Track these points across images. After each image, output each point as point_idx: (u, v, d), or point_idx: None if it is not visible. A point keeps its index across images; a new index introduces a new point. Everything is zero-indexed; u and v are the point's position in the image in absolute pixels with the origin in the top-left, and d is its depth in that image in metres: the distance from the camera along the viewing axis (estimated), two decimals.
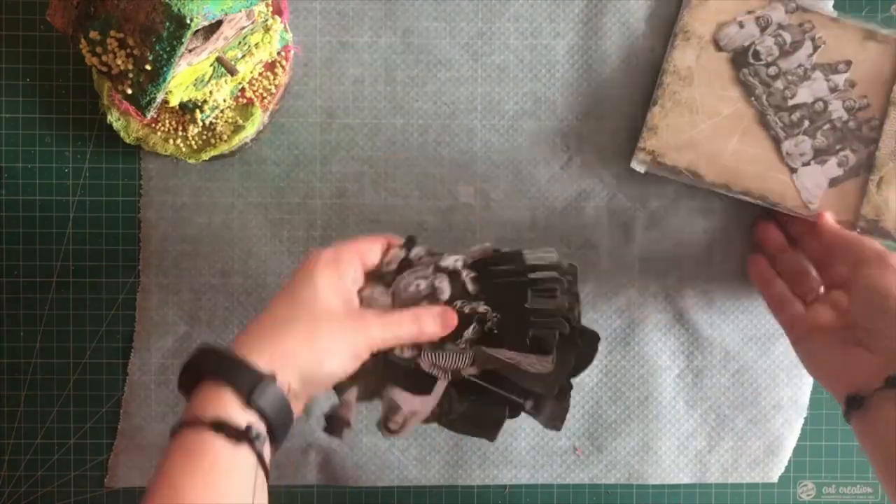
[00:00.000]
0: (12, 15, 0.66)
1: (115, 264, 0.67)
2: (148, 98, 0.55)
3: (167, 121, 0.64)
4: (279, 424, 0.47)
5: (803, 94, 0.66)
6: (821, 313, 0.60)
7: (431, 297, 0.53)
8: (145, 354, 0.67)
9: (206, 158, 0.64)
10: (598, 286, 0.67)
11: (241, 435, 0.45)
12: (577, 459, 0.68)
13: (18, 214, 0.66)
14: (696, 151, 0.66)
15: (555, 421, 0.54)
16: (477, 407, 0.54)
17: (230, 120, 0.64)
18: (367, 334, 0.50)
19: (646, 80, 0.67)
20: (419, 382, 0.53)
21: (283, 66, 0.64)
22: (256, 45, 0.61)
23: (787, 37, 0.66)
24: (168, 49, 0.52)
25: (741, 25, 0.66)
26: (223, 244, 0.67)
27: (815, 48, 0.66)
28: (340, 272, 0.52)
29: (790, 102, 0.66)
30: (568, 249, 0.67)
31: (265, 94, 0.64)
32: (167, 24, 0.51)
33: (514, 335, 0.52)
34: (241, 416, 0.46)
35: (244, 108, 0.64)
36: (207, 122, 0.63)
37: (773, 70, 0.66)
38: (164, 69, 0.53)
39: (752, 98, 0.66)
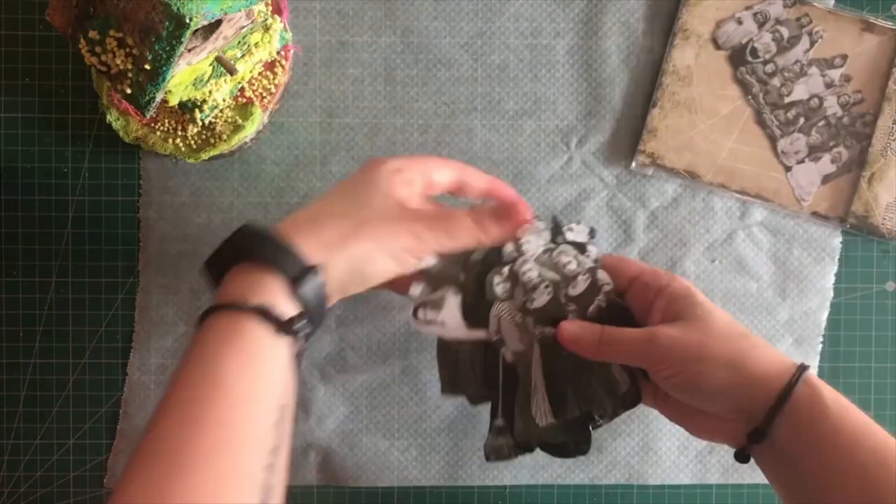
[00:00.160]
0: (12, 15, 0.66)
1: (114, 264, 0.67)
2: (147, 98, 0.55)
3: (166, 120, 0.64)
4: (315, 320, 0.45)
5: (799, 91, 0.66)
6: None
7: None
8: (145, 354, 0.67)
9: (206, 158, 0.64)
10: None
11: (285, 326, 0.43)
12: (577, 459, 0.67)
13: (18, 214, 0.66)
14: (694, 152, 0.66)
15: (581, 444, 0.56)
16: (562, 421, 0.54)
17: (230, 119, 0.64)
18: (417, 238, 0.49)
19: (646, 80, 0.67)
20: (476, 315, 0.54)
21: (282, 66, 0.64)
22: (256, 44, 0.61)
23: (785, 32, 0.66)
24: (167, 49, 0.52)
25: (739, 22, 0.66)
26: None
27: (812, 43, 0.66)
28: (403, 179, 0.50)
29: (786, 100, 0.66)
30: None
31: (265, 94, 0.64)
32: (166, 23, 0.51)
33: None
34: (287, 305, 0.43)
35: (244, 107, 0.64)
36: (207, 122, 0.63)
37: (770, 67, 0.66)
38: (164, 69, 0.53)
39: (749, 96, 0.66)
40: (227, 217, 0.67)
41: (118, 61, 0.54)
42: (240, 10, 0.55)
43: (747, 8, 0.66)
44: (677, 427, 0.67)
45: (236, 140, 0.64)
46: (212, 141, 0.64)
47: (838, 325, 0.68)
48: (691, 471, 0.67)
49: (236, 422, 0.40)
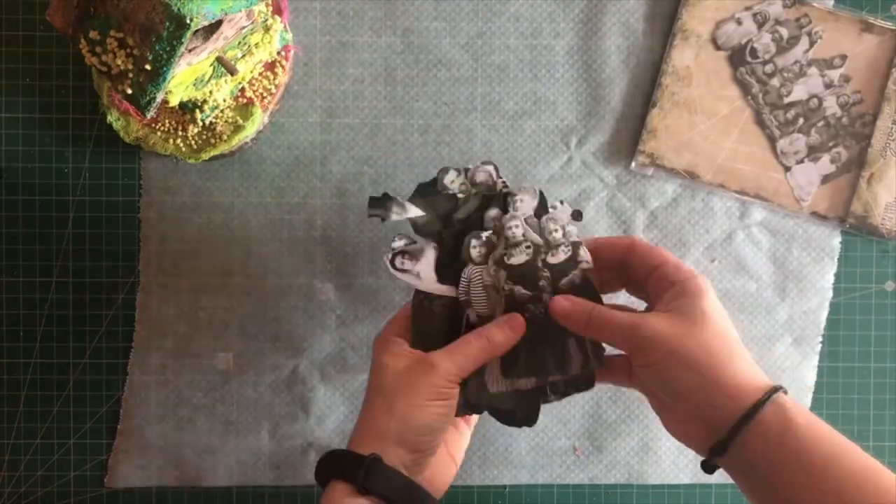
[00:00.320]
0: (12, 15, 0.66)
1: (115, 264, 0.67)
2: (148, 98, 0.55)
3: (167, 121, 0.64)
4: (401, 497, 0.50)
5: (798, 92, 0.66)
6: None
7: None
8: (145, 354, 0.67)
9: (206, 158, 0.64)
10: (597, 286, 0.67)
11: None
12: (577, 459, 0.67)
13: (18, 214, 0.66)
14: (694, 152, 0.66)
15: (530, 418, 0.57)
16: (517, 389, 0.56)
17: (230, 120, 0.64)
18: (438, 374, 0.52)
19: (646, 80, 0.67)
20: (449, 272, 0.56)
21: (283, 66, 0.64)
22: (256, 44, 0.61)
23: (784, 32, 0.66)
24: (168, 49, 0.52)
25: (739, 22, 0.66)
26: (223, 244, 0.67)
27: (812, 43, 0.66)
28: (390, 341, 0.55)
29: (786, 100, 0.66)
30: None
31: (265, 94, 0.64)
32: (167, 23, 0.51)
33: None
34: (352, 503, 0.50)
35: (244, 107, 0.64)
36: (207, 122, 0.63)
37: (769, 68, 0.66)
38: (164, 69, 0.53)
39: (749, 97, 0.66)
40: (227, 217, 0.67)
41: (119, 62, 0.54)
42: (240, 11, 0.55)
43: (747, 8, 0.66)
44: None
45: (237, 140, 0.64)
46: (212, 141, 0.64)
47: (838, 324, 0.68)
48: (691, 471, 0.67)
49: None
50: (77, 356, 0.67)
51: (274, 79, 0.64)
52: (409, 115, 0.67)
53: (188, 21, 0.51)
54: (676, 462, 0.67)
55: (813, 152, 0.66)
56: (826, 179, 0.66)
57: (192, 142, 0.64)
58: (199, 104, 0.61)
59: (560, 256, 0.56)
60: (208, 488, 0.67)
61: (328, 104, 0.67)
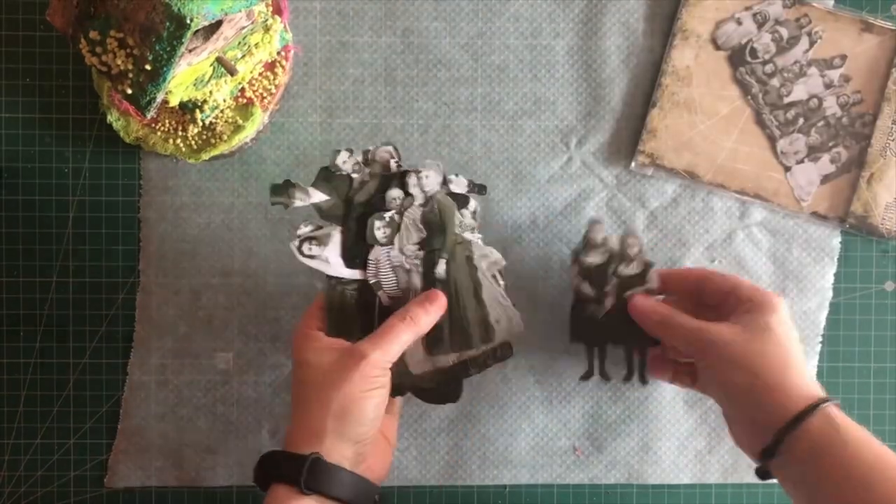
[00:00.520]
0: (12, 15, 0.66)
1: (115, 264, 0.67)
2: (148, 98, 0.55)
3: (167, 121, 0.64)
4: (344, 492, 0.50)
5: (798, 92, 0.66)
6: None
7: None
8: (145, 354, 0.67)
9: (206, 158, 0.64)
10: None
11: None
12: (577, 459, 0.67)
13: (18, 214, 0.66)
14: (693, 152, 0.66)
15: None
16: (438, 369, 0.57)
17: (230, 120, 0.64)
18: (369, 363, 0.52)
19: (646, 80, 0.67)
20: (355, 255, 0.57)
21: (283, 66, 0.64)
22: (256, 45, 0.61)
23: (784, 32, 0.66)
24: (168, 49, 0.52)
25: (739, 22, 0.66)
26: (223, 244, 0.67)
27: (812, 43, 0.66)
28: (311, 336, 0.55)
29: (786, 100, 0.66)
30: (568, 250, 0.67)
31: (265, 94, 0.64)
32: (167, 23, 0.51)
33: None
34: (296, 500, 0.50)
35: (244, 108, 0.64)
36: (207, 122, 0.63)
37: (769, 68, 0.66)
38: (164, 69, 0.53)
39: (749, 97, 0.66)
40: (227, 217, 0.67)
41: (119, 62, 0.54)
42: (240, 11, 0.55)
43: (747, 8, 0.66)
44: (677, 427, 0.67)
45: (237, 140, 0.64)
46: (212, 141, 0.64)
47: (837, 324, 0.68)
48: (691, 470, 0.67)
49: None
50: (77, 356, 0.67)
51: (274, 79, 0.64)
52: (409, 115, 0.67)
53: (188, 21, 0.51)
54: (676, 462, 0.67)
55: (813, 152, 0.66)
56: (826, 179, 0.66)
57: (192, 142, 0.64)
58: (199, 104, 0.61)
59: (632, 270, 0.61)
60: (208, 488, 0.67)
61: (328, 104, 0.67)
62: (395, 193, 0.58)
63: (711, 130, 0.66)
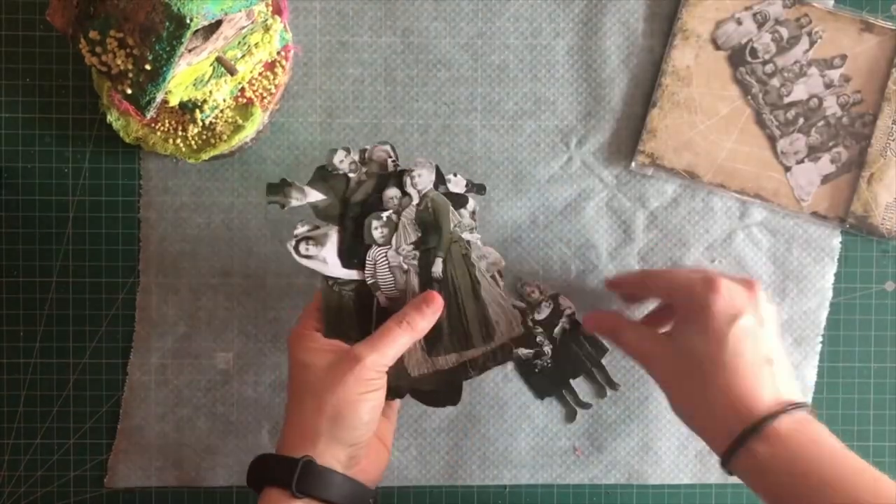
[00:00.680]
0: (12, 15, 0.66)
1: (115, 264, 0.67)
2: (147, 98, 0.55)
3: (167, 121, 0.64)
4: (337, 496, 0.50)
5: (799, 92, 0.66)
6: None
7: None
8: (145, 354, 0.67)
9: (206, 158, 0.64)
10: (598, 286, 0.67)
11: None
12: (577, 459, 0.67)
13: (18, 214, 0.66)
14: (693, 152, 0.66)
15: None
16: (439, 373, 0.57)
17: (230, 120, 0.64)
18: (365, 366, 0.52)
19: (646, 80, 0.67)
20: (352, 256, 0.57)
21: (282, 66, 0.64)
22: (256, 44, 0.61)
23: (784, 32, 0.66)
24: (168, 49, 0.52)
25: (739, 22, 0.66)
26: (223, 244, 0.67)
27: (812, 43, 0.66)
28: (308, 336, 0.54)
29: (786, 100, 0.66)
30: (568, 250, 0.67)
31: (265, 94, 0.64)
32: (167, 23, 0.51)
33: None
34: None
35: (244, 107, 0.64)
36: (207, 122, 0.63)
37: (769, 68, 0.66)
38: (164, 69, 0.53)
39: (749, 97, 0.66)
40: (227, 217, 0.67)
41: (119, 61, 0.54)
42: (240, 11, 0.55)
43: (747, 8, 0.66)
44: (677, 427, 0.67)
45: (237, 140, 0.64)
46: (212, 141, 0.64)
47: (838, 324, 0.68)
48: (691, 471, 0.67)
49: None
50: (77, 356, 0.67)
51: (274, 79, 0.64)
52: (409, 115, 0.67)
53: (188, 21, 0.51)
54: (676, 462, 0.67)
55: (813, 152, 0.66)
56: (826, 179, 0.66)
57: (192, 142, 0.64)
58: (199, 104, 0.61)
59: (544, 312, 0.64)
60: (208, 488, 0.67)
61: (328, 104, 0.67)
62: (392, 193, 0.58)
63: (711, 130, 0.66)
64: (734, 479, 0.67)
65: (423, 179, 0.58)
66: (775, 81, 0.66)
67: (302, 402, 0.52)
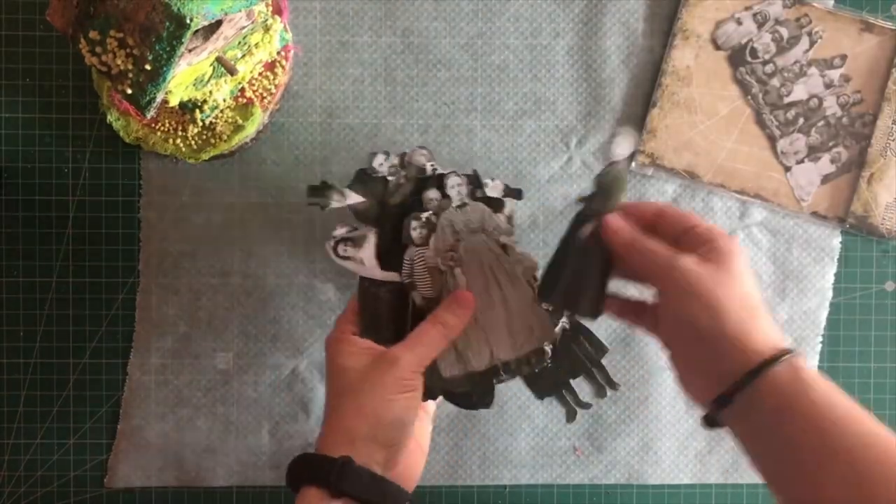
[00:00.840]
0: (12, 15, 0.66)
1: (115, 264, 0.67)
2: (148, 98, 0.55)
3: (167, 121, 0.64)
4: (375, 497, 0.51)
5: (798, 92, 0.66)
6: None
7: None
8: (145, 354, 0.67)
9: (206, 158, 0.64)
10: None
11: None
12: (577, 459, 0.67)
13: (18, 214, 0.66)
14: (694, 152, 0.66)
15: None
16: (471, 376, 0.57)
17: (230, 120, 0.64)
18: (401, 367, 0.52)
19: (646, 80, 0.67)
20: (389, 257, 0.57)
21: (283, 66, 0.64)
22: (256, 44, 0.61)
23: (784, 32, 0.66)
24: (168, 49, 0.52)
25: (739, 22, 0.66)
26: (223, 244, 0.67)
27: (812, 43, 0.66)
28: (345, 340, 0.55)
29: (786, 100, 0.66)
30: None
31: (265, 94, 0.64)
32: (167, 23, 0.51)
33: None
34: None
35: (244, 107, 0.64)
36: (207, 122, 0.63)
37: (769, 68, 0.66)
38: (164, 69, 0.53)
39: (749, 97, 0.66)
40: (227, 217, 0.67)
41: (119, 61, 0.54)
42: (240, 11, 0.55)
43: (747, 8, 0.66)
44: (677, 427, 0.67)
45: (237, 140, 0.64)
46: (212, 141, 0.64)
47: (838, 324, 0.68)
48: (691, 471, 0.67)
49: None
50: (77, 356, 0.67)
51: (274, 79, 0.64)
52: (409, 115, 0.67)
53: (188, 21, 0.51)
54: (676, 462, 0.67)
55: (813, 152, 0.66)
56: (826, 179, 0.66)
57: (192, 142, 0.64)
58: (199, 104, 0.61)
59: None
60: (208, 488, 0.67)
61: (328, 104, 0.67)
62: (432, 194, 0.58)
63: (711, 130, 0.66)
64: (734, 480, 0.67)
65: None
66: (775, 81, 0.66)
67: (341, 404, 0.53)
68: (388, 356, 0.53)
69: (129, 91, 0.55)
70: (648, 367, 0.67)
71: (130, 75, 0.54)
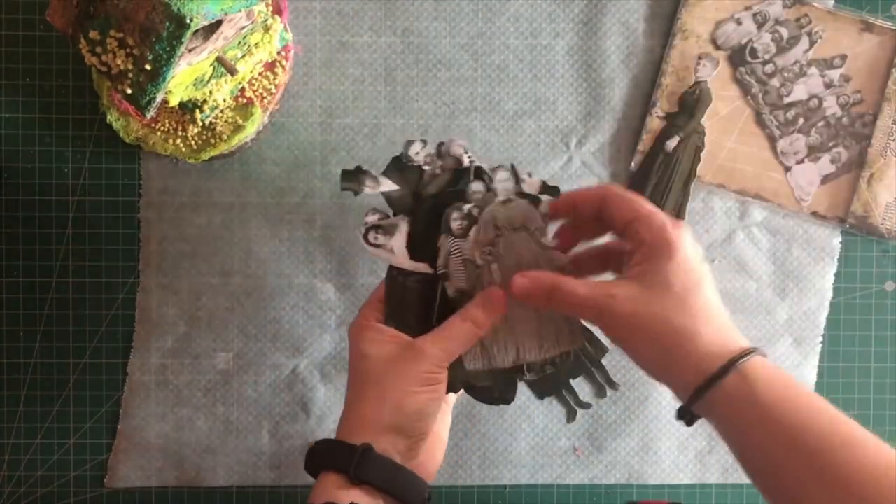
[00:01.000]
0: (12, 15, 0.66)
1: (115, 264, 0.67)
2: (147, 98, 0.55)
3: (167, 121, 0.64)
4: (394, 486, 0.50)
5: (798, 92, 0.66)
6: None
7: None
8: (145, 354, 0.67)
9: (206, 158, 0.64)
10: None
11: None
12: (577, 459, 0.67)
13: (18, 214, 0.66)
14: None
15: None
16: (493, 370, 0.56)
17: (230, 120, 0.64)
18: (427, 361, 0.52)
19: (646, 80, 0.67)
20: (420, 248, 0.56)
21: (283, 66, 0.64)
22: (256, 44, 0.61)
23: (784, 32, 0.66)
24: (168, 49, 0.52)
25: (738, 22, 0.66)
26: (223, 244, 0.67)
27: (812, 43, 0.66)
28: (370, 327, 0.54)
29: (786, 100, 0.66)
30: None
31: (265, 94, 0.64)
32: (167, 23, 0.51)
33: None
34: (345, 494, 0.49)
35: (244, 107, 0.64)
36: (207, 122, 0.63)
37: (769, 68, 0.66)
38: (164, 69, 0.53)
39: (749, 97, 0.66)
40: (227, 217, 0.67)
41: (119, 61, 0.54)
42: (240, 11, 0.55)
43: (747, 8, 0.66)
44: (677, 427, 0.67)
45: (237, 140, 0.64)
46: (212, 141, 0.64)
47: (838, 324, 0.68)
48: (691, 470, 0.67)
49: None
50: (77, 356, 0.67)
51: (274, 79, 0.64)
52: (409, 115, 0.67)
53: (188, 21, 0.51)
54: (676, 462, 0.67)
55: (813, 152, 0.66)
56: (826, 179, 0.66)
57: (192, 142, 0.64)
58: (199, 104, 0.61)
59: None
60: (208, 488, 0.67)
61: (328, 104, 0.67)
62: (477, 187, 0.56)
63: (711, 130, 0.66)
64: (734, 480, 0.67)
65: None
66: (775, 81, 0.66)
67: (363, 391, 0.52)
68: (414, 347, 0.52)
69: (129, 91, 0.55)
70: None
71: (130, 75, 0.54)
